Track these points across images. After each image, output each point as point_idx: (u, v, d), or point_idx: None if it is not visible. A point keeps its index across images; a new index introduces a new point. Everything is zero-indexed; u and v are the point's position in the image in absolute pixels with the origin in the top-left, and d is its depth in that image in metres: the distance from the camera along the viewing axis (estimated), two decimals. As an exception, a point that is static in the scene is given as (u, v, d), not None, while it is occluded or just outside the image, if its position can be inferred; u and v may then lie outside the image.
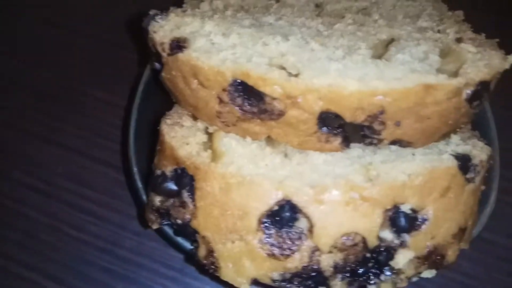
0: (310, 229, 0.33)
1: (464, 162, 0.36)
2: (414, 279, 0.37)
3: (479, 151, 0.38)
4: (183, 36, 0.38)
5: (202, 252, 0.37)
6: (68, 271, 0.47)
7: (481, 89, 0.35)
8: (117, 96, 0.57)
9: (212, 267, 0.36)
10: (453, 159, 0.36)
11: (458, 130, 0.39)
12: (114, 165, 0.53)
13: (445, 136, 0.39)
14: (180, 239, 0.40)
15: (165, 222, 0.39)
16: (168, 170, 0.38)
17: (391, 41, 0.40)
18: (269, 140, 0.38)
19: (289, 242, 0.34)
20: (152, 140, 0.42)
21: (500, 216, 0.51)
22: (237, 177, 0.34)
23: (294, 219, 0.33)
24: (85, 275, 0.47)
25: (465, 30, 0.42)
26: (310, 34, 0.39)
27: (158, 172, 0.38)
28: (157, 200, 0.38)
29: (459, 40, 0.39)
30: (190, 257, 0.39)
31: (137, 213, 0.50)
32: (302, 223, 0.34)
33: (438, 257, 0.36)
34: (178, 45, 0.37)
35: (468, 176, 0.36)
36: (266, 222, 0.34)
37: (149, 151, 0.43)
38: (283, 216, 0.33)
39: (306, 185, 0.33)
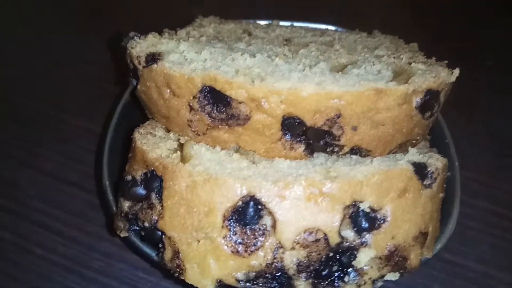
0: (274, 225, 0.34)
1: (419, 168, 0.38)
2: (379, 283, 0.37)
3: (435, 161, 0.40)
4: (158, 51, 0.41)
5: (168, 255, 0.37)
6: None
7: (430, 98, 0.39)
8: (93, 123, 0.60)
9: (177, 270, 0.36)
10: (409, 164, 0.38)
11: (414, 141, 0.42)
12: (87, 188, 0.54)
13: (402, 146, 0.41)
14: (146, 247, 0.40)
15: (133, 228, 0.39)
16: (138, 174, 0.39)
17: (349, 63, 0.44)
18: (238, 150, 0.40)
19: (253, 239, 0.34)
20: (125, 157, 0.43)
21: (468, 241, 0.53)
22: (203, 175, 0.35)
23: (258, 215, 0.34)
24: None
25: (418, 56, 0.47)
26: (276, 55, 0.43)
27: (128, 177, 0.40)
28: (126, 205, 0.39)
29: (411, 63, 0.43)
30: (156, 263, 0.39)
31: (105, 223, 0.50)
32: (266, 220, 0.34)
33: (400, 259, 0.36)
34: (153, 58, 0.40)
35: (425, 182, 0.38)
36: (230, 219, 0.34)
37: (121, 167, 0.44)
38: (247, 212, 0.34)
39: (269, 182, 0.34)
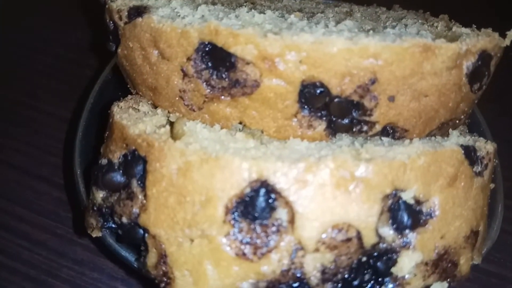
0: (291, 220, 0.26)
1: (468, 151, 0.31)
2: (421, 296, 0.29)
3: (484, 144, 0.32)
4: (144, 4, 0.33)
5: (151, 259, 0.28)
6: None
7: (482, 65, 0.31)
8: (68, 111, 0.53)
9: (164, 279, 0.28)
10: (458, 146, 0.30)
11: (457, 121, 0.34)
12: (57, 183, 0.47)
13: (443, 128, 0.34)
14: (124, 250, 0.32)
15: (108, 225, 0.31)
16: (116, 156, 0.31)
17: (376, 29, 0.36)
18: (242, 129, 0.32)
19: (264, 238, 0.26)
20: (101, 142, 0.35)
21: (506, 247, 0.46)
22: (200, 154, 0.27)
23: (271, 206, 0.26)
24: None
25: (454, 24, 0.39)
26: (288, 11, 0.35)
27: (103, 161, 0.31)
28: (100, 196, 0.31)
29: (450, 28, 0.36)
30: (135, 270, 0.31)
31: (72, 218, 0.42)
32: (281, 212, 0.26)
33: (450, 265, 0.29)
34: (138, 11, 0.32)
35: (475, 169, 0.31)
36: (235, 211, 0.26)
37: (96, 154, 0.36)
38: (257, 203, 0.26)
39: (286, 163, 0.26)
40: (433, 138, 0.33)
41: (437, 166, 0.28)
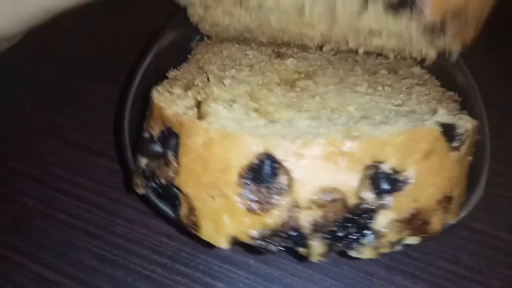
0: (290, 184, 0.33)
1: (448, 129, 0.36)
2: (398, 247, 0.36)
3: (465, 122, 0.38)
4: None
5: (184, 211, 0.37)
6: (58, 256, 0.47)
7: None
8: (113, 91, 0.59)
9: (193, 226, 0.36)
10: (437, 124, 0.36)
11: None
12: (109, 156, 0.54)
13: None
14: (164, 204, 0.40)
15: (151, 185, 0.39)
16: (155, 132, 0.39)
17: None
18: (257, 111, 0.39)
19: (268, 197, 0.34)
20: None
21: (498, 210, 0.51)
22: (220, 132, 0.34)
23: (274, 174, 0.34)
24: (73, 260, 0.47)
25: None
26: None
27: (146, 135, 0.39)
28: (143, 162, 0.39)
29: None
30: (172, 220, 0.39)
31: (123, 182, 0.50)
32: (282, 178, 0.34)
33: (421, 223, 0.35)
34: None
35: (453, 144, 0.36)
36: (246, 176, 0.34)
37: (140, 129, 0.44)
38: (264, 171, 0.34)
39: (287, 140, 0.33)
40: (419, 116, 0.38)
41: (414, 143, 0.34)
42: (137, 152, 0.40)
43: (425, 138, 0.34)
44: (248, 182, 0.34)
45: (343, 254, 0.36)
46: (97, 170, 0.53)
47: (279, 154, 0.33)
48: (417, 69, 0.52)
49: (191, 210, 0.36)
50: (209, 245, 0.36)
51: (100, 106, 0.59)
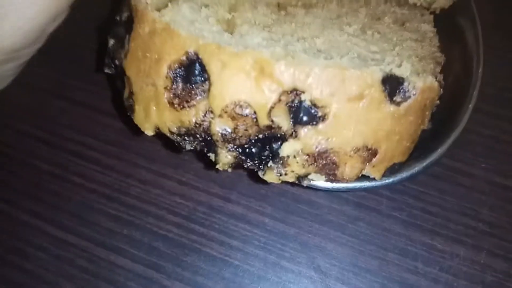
0: (209, 89, 0.35)
1: (392, 81, 0.34)
2: (305, 182, 0.36)
3: (419, 80, 0.35)
4: None
5: (126, 94, 0.40)
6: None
7: None
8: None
9: (130, 109, 0.39)
10: (379, 72, 0.34)
11: None
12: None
13: None
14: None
15: (111, 64, 0.42)
16: (123, 17, 0.41)
17: None
18: (224, 21, 0.40)
19: (188, 96, 0.35)
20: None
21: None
22: (164, 25, 0.36)
23: (198, 76, 0.35)
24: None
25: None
26: None
27: (117, 17, 0.42)
28: (110, 43, 0.42)
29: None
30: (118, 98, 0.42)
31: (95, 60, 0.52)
32: (203, 82, 0.35)
33: (329, 164, 0.35)
34: None
35: (394, 98, 0.35)
36: (174, 71, 0.35)
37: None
38: (189, 70, 0.35)
39: (217, 46, 0.34)
40: (372, 57, 0.36)
41: (340, 81, 0.33)
42: (108, 34, 0.43)
43: (356, 80, 0.33)
44: (175, 77, 0.35)
45: (252, 173, 0.38)
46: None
47: (206, 58, 0.34)
48: (426, 26, 0.48)
49: (130, 93, 0.39)
50: (139, 132, 0.38)
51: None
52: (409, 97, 0.35)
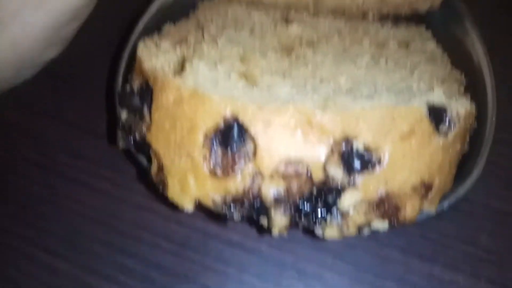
0: (255, 151, 0.32)
1: (436, 111, 0.33)
2: (366, 231, 0.34)
3: (459, 106, 0.35)
4: None
5: (154, 168, 0.37)
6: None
7: None
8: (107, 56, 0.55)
9: (161, 185, 0.36)
10: (424, 104, 0.33)
11: None
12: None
13: None
14: (142, 158, 0.40)
15: (128, 139, 0.39)
16: (136, 85, 0.38)
17: None
18: (242, 74, 0.38)
19: (232, 162, 0.33)
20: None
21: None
22: (191, 90, 0.33)
23: (240, 139, 0.32)
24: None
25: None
26: None
27: (128, 87, 0.39)
28: (124, 116, 0.39)
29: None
30: (144, 174, 0.39)
31: (106, 130, 0.50)
32: (247, 144, 0.33)
33: (391, 207, 0.33)
34: None
35: (440, 128, 0.34)
36: (211, 139, 0.33)
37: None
38: (229, 135, 0.33)
39: (256, 104, 0.32)
40: (407, 91, 0.36)
41: (391, 121, 0.32)
42: (119, 104, 0.40)
43: (405, 117, 0.32)
44: (213, 144, 0.33)
45: (308, 232, 0.35)
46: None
47: (246, 119, 0.32)
48: (431, 45, 0.48)
49: (160, 167, 0.36)
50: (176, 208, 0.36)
51: (103, 81, 0.55)
52: (455, 125, 0.34)
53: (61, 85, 0.57)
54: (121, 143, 0.40)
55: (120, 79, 0.46)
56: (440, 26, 0.52)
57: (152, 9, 0.51)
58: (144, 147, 0.37)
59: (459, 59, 0.46)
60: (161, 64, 0.37)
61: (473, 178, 0.40)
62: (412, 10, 0.50)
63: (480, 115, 0.39)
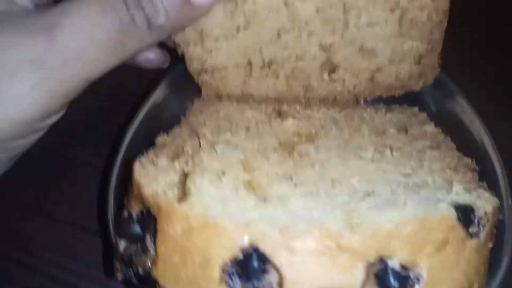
0: (280, 283, 0.29)
1: (465, 213, 0.31)
2: None
3: (484, 202, 0.33)
4: None
5: (163, 307, 0.32)
6: None
7: None
8: (103, 158, 0.53)
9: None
10: (451, 208, 0.31)
11: None
12: (103, 235, 0.48)
13: None
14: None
15: (129, 272, 0.35)
16: (135, 211, 0.35)
17: None
18: (249, 185, 0.35)
19: (255, 298, 0.29)
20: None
21: None
22: (201, 219, 0.30)
23: (262, 270, 0.29)
24: None
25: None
26: None
27: (125, 213, 0.35)
28: (122, 245, 0.35)
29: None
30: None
31: (102, 260, 0.46)
32: (271, 276, 0.29)
33: (437, 327, 0.30)
34: None
35: (471, 230, 0.31)
36: (229, 273, 0.29)
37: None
38: (249, 267, 0.29)
39: (276, 229, 0.29)
40: (432, 194, 0.34)
41: (425, 233, 0.29)
42: (115, 233, 0.36)
43: (438, 226, 0.30)
44: (232, 279, 0.29)
45: None
46: (90, 252, 0.47)
47: (267, 247, 0.29)
48: (430, 127, 0.47)
49: (171, 306, 0.32)
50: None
51: (89, 175, 0.53)
52: (484, 224, 0.32)
53: (41, 175, 0.54)
54: (120, 276, 0.36)
55: (112, 199, 0.42)
56: (433, 104, 0.52)
57: (141, 113, 0.49)
58: (149, 282, 0.33)
59: (461, 140, 0.46)
60: (163, 188, 0.34)
61: (503, 269, 0.38)
62: (404, 91, 0.50)
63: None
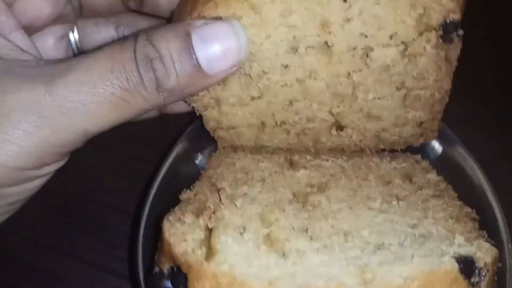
0: (302, 337, 0.32)
1: (466, 265, 0.35)
2: None
3: (484, 254, 0.36)
4: None
5: None
6: None
7: None
8: (130, 204, 0.57)
9: None
10: (454, 261, 0.34)
11: None
12: (127, 277, 0.52)
13: None
14: None
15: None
16: (166, 267, 0.38)
17: None
18: (268, 239, 0.39)
19: None
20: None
21: None
22: (228, 277, 0.34)
23: (285, 324, 0.32)
24: None
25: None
26: None
27: (156, 269, 0.39)
28: (154, 299, 0.39)
29: None
30: None
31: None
32: (293, 329, 0.32)
33: None
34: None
35: (472, 280, 0.35)
36: (256, 327, 0.33)
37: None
38: (274, 321, 0.32)
39: (296, 286, 0.32)
40: (436, 247, 0.37)
41: (430, 287, 0.33)
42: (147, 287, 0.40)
43: (443, 280, 0.33)
44: (258, 332, 0.32)
45: None
46: None
47: (290, 304, 0.32)
48: (432, 176, 0.51)
49: None
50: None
51: (117, 220, 0.56)
52: (485, 274, 0.35)
53: (71, 220, 0.56)
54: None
55: (140, 254, 0.45)
56: (435, 152, 0.55)
57: (165, 165, 0.53)
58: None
59: (462, 187, 0.49)
60: (191, 247, 0.37)
61: None
62: (406, 145, 0.54)
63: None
